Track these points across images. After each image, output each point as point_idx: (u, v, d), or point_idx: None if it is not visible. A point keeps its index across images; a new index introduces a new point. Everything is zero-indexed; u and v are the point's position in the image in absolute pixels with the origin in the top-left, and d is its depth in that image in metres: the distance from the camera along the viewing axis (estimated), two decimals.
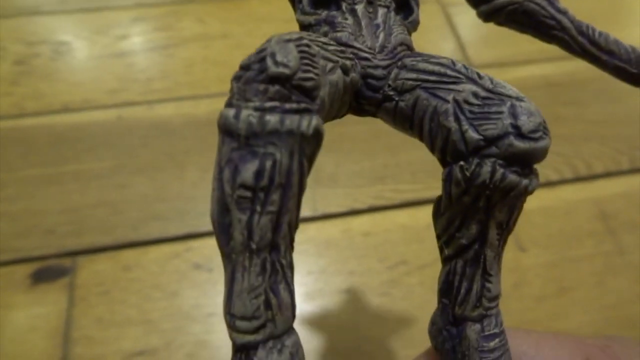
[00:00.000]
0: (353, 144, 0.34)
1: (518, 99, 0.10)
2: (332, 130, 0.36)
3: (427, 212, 0.32)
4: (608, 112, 0.37)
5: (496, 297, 0.12)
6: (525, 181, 0.10)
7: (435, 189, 0.33)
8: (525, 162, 0.10)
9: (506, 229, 0.11)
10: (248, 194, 0.09)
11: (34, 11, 0.44)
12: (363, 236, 0.30)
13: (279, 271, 0.09)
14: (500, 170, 0.10)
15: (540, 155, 0.10)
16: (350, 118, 0.39)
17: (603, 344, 0.13)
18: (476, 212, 0.11)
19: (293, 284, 0.09)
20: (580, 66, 0.44)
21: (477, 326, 0.12)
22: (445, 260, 0.12)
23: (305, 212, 0.31)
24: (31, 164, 0.33)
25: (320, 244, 0.30)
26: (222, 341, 0.26)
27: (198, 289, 0.28)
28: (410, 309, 0.27)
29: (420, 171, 0.33)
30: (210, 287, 0.28)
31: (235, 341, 0.09)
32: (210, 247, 0.29)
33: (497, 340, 0.12)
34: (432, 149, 0.11)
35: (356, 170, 0.33)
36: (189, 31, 0.43)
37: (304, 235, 0.30)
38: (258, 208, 0.09)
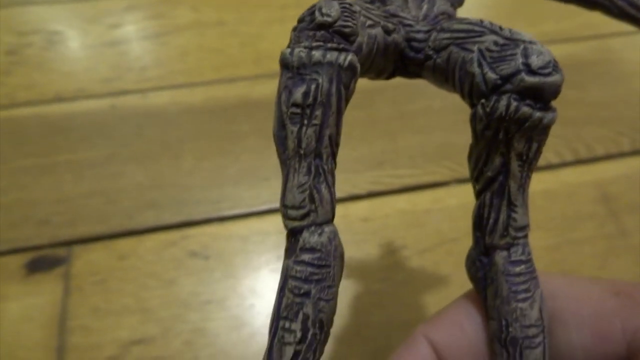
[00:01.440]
0: (351, 130, 0.34)
1: (531, 42, 0.12)
2: None
3: (426, 196, 0.32)
4: (609, 94, 0.37)
5: (523, 228, 0.13)
6: (538, 114, 0.12)
7: (434, 174, 0.32)
8: (537, 96, 0.12)
9: (527, 161, 0.12)
10: (298, 110, 0.11)
11: (26, 1, 0.44)
12: (362, 222, 0.30)
13: (321, 174, 0.11)
14: (514, 104, 0.11)
15: (550, 89, 0.11)
16: (348, 109, 0.39)
17: (637, 283, 0.13)
18: (498, 145, 0.12)
19: (333, 187, 0.12)
20: (581, 48, 0.44)
21: (505, 253, 0.13)
22: (477, 195, 0.14)
23: None
24: (24, 154, 0.33)
25: None
26: (219, 328, 0.25)
27: (195, 276, 0.27)
28: (411, 294, 0.27)
29: (419, 156, 0.33)
30: (206, 274, 0.27)
31: (287, 226, 0.11)
32: (206, 235, 0.29)
33: (523, 266, 0.13)
34: (462, 95, 0.13)
35: (354, 156, 0.33)
36: (183, 19, 0.42)
37: None
38: (305, 121, 0.11)
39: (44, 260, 0.28)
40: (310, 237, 0.11)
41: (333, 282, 0.11)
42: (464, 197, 0.31)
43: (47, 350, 0.25)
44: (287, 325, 0.11)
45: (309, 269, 0.11)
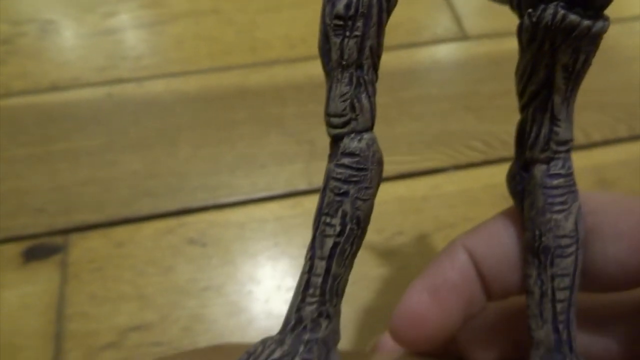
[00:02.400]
0: None
1: None
2: None
3: (423, 183, 0.32)
4: (606, 80, 0.37)
5: (565, 142, 0.13)
6: (587, 22, 0.11)
7: (432, 160, 0.32)
8: (586, 4, 0.11)
9: (572, 73, 0.12)
10: (340, 22, 0.12)
11: None
12: None
13: (362, 85, 0.12)
14: (561, 12, 0.11)
15: None
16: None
17: None
18: (543, 56, 0.12)
19: (374, 97, 0.12)
20: None
21: (544, 166, 0.14)
22: (520, 111, 0.14)
23: (300, 185, 0.31)
24: (19, 143, 0.33)
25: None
26: (217, 315, 0.25)
27: (192, 263, 0.27)
28: (409, 280, 0.27)
29: (417, 142, 0.33)
30: (204, 261, 0.27)
31: (330, 134, 0.13)
32: (204, 222, 0.29)
33: (561, 179, 0.13)
34: (511, 6, 0.13)
35: None
36: (178, 7, 0.42)
37: (300, 209, 0.30)
38: (347, 33, 0.12)
39: (40, 249, 0.28)
40: (350, 143, 0.12)
41: (370, 184, 0.13)
42: (462, 183, 0.31)
43: (45, 337, 0.25)
44: (328, 220, 0.12)
45: (348, 172, 0.12)
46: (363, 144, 0.12)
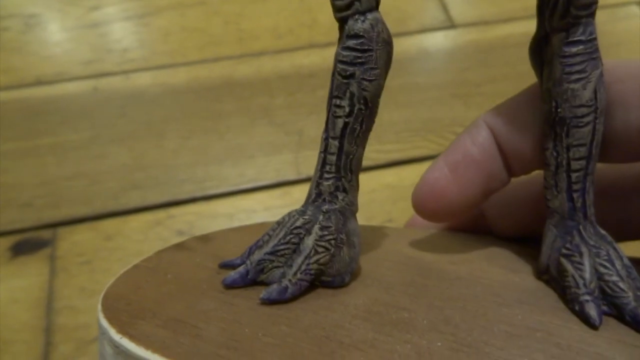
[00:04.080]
0: None
1: None
2: (315, 93, 0.35)
3: (412, 171, 0.32)
4: None
5: (587, 6, 0.13)
6: None
7: (420, 148, 0.32)
8: None
9: None
10: None
11: None
12: None
13: None
14: None
15: None
16: None
17: None
18: None
19: None
20: None
21: (563, 34, 0.13)
22: None
23: (289, 175, 0.31)
24: (5, 138, 0.32)
25: None
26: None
27: None
28: None
29: (404, 131, 0.33)
30: None
31: (336, 17, 0.13)
32: (192, 214, 0.29)
33: (581, 47, 0.13)
34: None
35: None
36: None
37: (288, 198, 0.30)
38: None
39: (28, 243, 0.28)
40: (354, 25, 0.13)
41: (376, 64, 0.13)
42: None
43: (34, 331, 0.25)
44: (337, 102, 0.13)
45: (353, 54, 0.13)
46: (367, 25, 0.13)
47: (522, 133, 0.15)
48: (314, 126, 0.33)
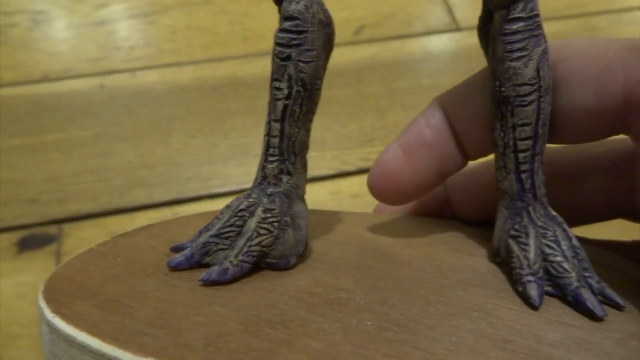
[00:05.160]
0: (340, 107, 0.34)
1: None
2: (324, 99, 0.35)
3: None
4: None
5: None
6: None
7: None
8: None
9: None
10: None
11: None
12: (352, 198, 0.30)
13: None
14: None
15: None
16: (336, 82, 0.39)
17: None
18: None
19: None
20: (567, 26, 0.44)
21: (504, 11, 0.13)
22: None
23: None
24: (11, 133, 0.33)
25: (309, 206, 0.30)
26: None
27: None
28: None
29: None
30: None
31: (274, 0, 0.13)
32: (197, 212, 0.29)
33: (521, 24, 0.13)
34: None
35: (344, 133, 0.33)
36: None
37: None
38: None
39: (34, 239, 0.28)
40: (288, 6, 0.13)
41: (312, 46, 0.13)
42: None
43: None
44: (276, 84, 0.13)
45: (289, 35, 0.13)
46: (301, 6, 0.13)
47: (474, 115, 0.15)
48: (319, 125, 0.33)
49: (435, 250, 0.15)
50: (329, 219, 0.17)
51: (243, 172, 0.31)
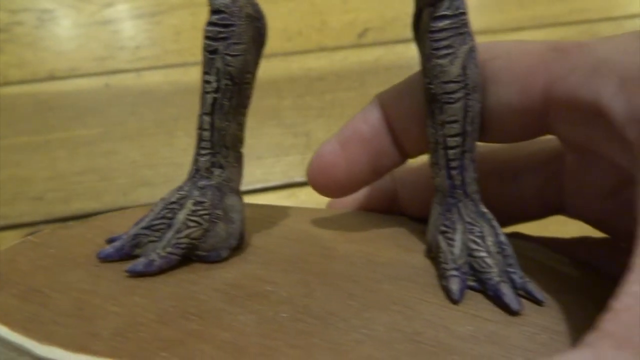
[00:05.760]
0: (343, 109, 0.34)
1: None
2: (323, 96, 0.36)
3: None
4: None
5: None
6: None
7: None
8: None
9: None
10: None
11: None
12: None
13: None
14: None
15: None
16: (340, 84, 0.39)
17: (581, 41, 0.13)
18: None
19: None
20: (571, 32, 0.45)
21: (431, 8, 0.13)
22: None
23: (296, 177, 0.31)
24: (17, 131, 0.33)
25: (309, 206, 0.30)
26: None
27: None
28: None
29: None
30: None
31: None
32: None
33: (447, 21, 0.13)
34: None
35: None
36: None
37: (295, 199, 0.30)
38: None
39: None
40: (215, 0, 0.13)
41: (240, 39, 0.13)
42: None
43: None
44: (206, 78, 0.14)
45: (216, 29, 0.13)
46: (227, 0, 0.13)
47: (410, 113, 0.15)
48: (322, 128, 0.33)
49: (374, 246, 0.15)
50: (276, 213, 0.17)
51: (247, 173, 0.31)
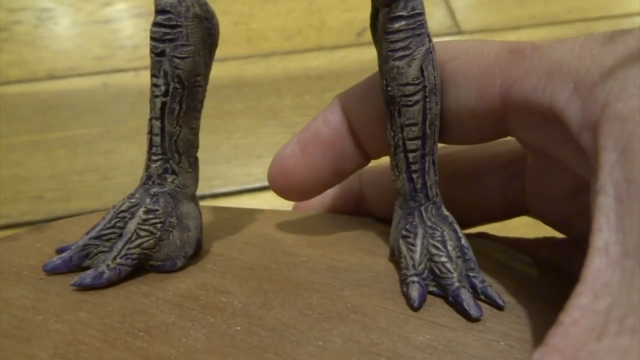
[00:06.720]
0: None
1: None
2: (322, 95, 0.36)
3: None
4: None
5: None
6: None
7: None
8: None
9: None
10: None
11: None
12: None
13: None
14: None
15: None
16: (339, 83, 0.39)
17: (537, 43, 0.13)
18: None
19: None
20: (568, 31, 0.45)
21: (387, 9, 0.13)
22: None
23: None
24: (16, 131, 0.33)
25: None
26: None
27: None
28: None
29: None
30: None
31: None
32: None
33: (403, 22, 0.13)
34: None
35: None
36: None
37: None
38: None
39: None
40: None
41: (187, 41, 0.12)
42: None
43: None
44: (154, 81, 0.13)
45: (162, 30, 0.12)
46: None
47: (371, 114, 0.15)
48: None
49: (336, 250, 0.15)
50: (240, 217, 0.16)
51: (246, 172, 0.31)
